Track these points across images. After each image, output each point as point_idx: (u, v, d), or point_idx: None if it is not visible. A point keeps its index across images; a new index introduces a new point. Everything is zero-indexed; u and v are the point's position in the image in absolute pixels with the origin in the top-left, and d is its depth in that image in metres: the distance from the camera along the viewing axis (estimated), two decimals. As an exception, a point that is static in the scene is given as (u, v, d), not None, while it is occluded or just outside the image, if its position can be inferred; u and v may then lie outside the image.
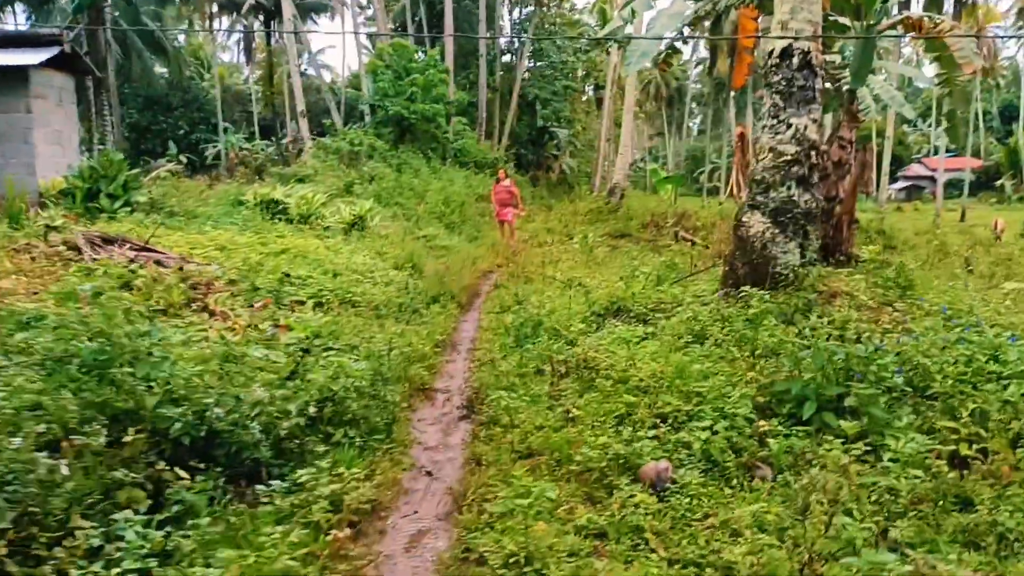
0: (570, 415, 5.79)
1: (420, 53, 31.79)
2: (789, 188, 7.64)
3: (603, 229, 18.92)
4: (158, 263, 10.73)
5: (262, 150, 41.67)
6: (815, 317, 7.09)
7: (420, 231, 18.34)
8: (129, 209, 14.40)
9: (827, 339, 6.44)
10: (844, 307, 7.37)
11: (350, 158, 25.07)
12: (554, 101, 39.91)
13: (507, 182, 19.68)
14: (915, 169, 58.93)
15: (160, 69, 50.26)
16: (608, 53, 44.37)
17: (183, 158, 47.34)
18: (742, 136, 27.30)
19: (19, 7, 35.61)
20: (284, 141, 42.64)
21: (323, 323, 7.97)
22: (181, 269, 10.57)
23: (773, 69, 7.86)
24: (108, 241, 11.42)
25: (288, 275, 9.97)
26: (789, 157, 7.65)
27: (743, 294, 7.63)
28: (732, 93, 61.41)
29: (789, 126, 7.72)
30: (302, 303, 9.32)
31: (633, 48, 16.05)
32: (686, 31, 17.96)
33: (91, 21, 36.07)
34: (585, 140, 43.49)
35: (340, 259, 12.17)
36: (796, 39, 7.79)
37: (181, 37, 55.55)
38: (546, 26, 41.76)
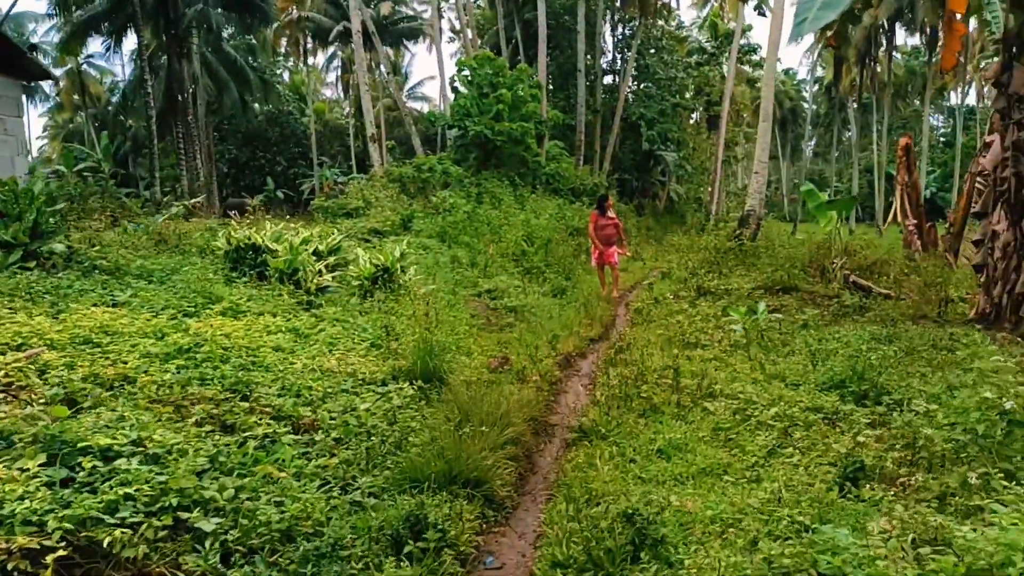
0: None
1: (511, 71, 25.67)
2: None
3: (749, 278, 11.99)
4: None
5: (357, 183, 36.80)
6: None
7: (485, 282, 12.00)
8: (32, 263, 8.71)
9: None
10: None
11: (418, 187, 19.10)
12: (661, 121, 32.97)
13: (612, 213, 13.18)
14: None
15: (264, 106, 46.34)
16: (722, 65, 37.21)
17: (280, 193, 43.08)
18: (907, 149, 19.80)
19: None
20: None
21: None
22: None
23: None
24: None
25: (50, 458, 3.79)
26: None
27: None
28: (850, 113, 52.75)
29: None
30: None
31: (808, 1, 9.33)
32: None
33: (171, 50, 31.82)
34: (696, 163, 36.20)
35: (292, 365, 5.95)
36: None
37: (286, 75, 51.76)
38: (651, 42, 34.95)
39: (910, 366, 6.69)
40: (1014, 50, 10.90)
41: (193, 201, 16.39)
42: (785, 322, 8.80)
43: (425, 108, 51.16)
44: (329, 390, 5.50)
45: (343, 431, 4.73)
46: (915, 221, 19.93)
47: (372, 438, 4.72)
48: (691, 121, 39.06)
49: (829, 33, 11.05)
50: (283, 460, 4.22)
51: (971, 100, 53.22)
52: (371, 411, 5.13)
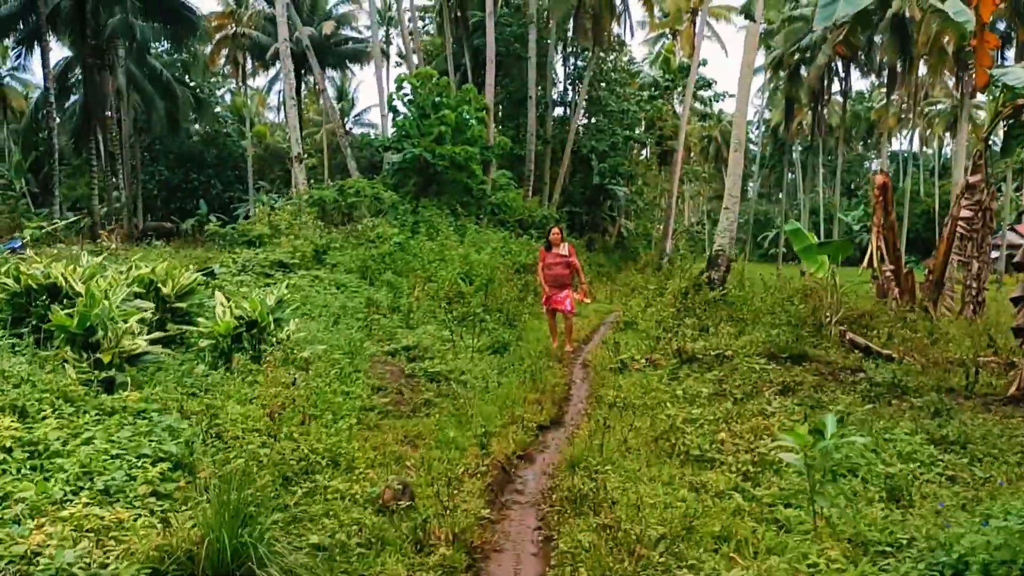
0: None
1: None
2: None
3: (745, 339, 9.00)
4: None
5: (263, 206, 33.34)
6: None
7: (405, 335, 8.96)
8: None
9: None
10: None
11: (343, 213, 16.00)
12: (612, 155, 30.52)
13: (564, 248, 10.30)
14: (1011, 238, 42.68)
15: (199, 126, 42.66)
16: (674, 100, 35.18)
17: (213, 218, 39.32)
18: (884, 188, 17.49)
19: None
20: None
21: None
22: None
23: None
24: None
25: None
26: None
27: None
28: (795, 155, 51.51)
29: None
30: None
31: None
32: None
33: (87, 62, 28.18)
34: (648, 199, 33.81)
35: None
36: None
37: (228, 96, 48.17)
38: (604, 75, 32.59)
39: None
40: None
41: (65, 222, 12.98)
42: (811, 416, 5.95)
43: (372, 134, 48.01)
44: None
45: None
46: (892, 267, 17.59)
47: None
48: (641, 157, 36.80)
49: (839, 39, 8.51)
50: None
51: (914, 147, 52.59)
52: None
